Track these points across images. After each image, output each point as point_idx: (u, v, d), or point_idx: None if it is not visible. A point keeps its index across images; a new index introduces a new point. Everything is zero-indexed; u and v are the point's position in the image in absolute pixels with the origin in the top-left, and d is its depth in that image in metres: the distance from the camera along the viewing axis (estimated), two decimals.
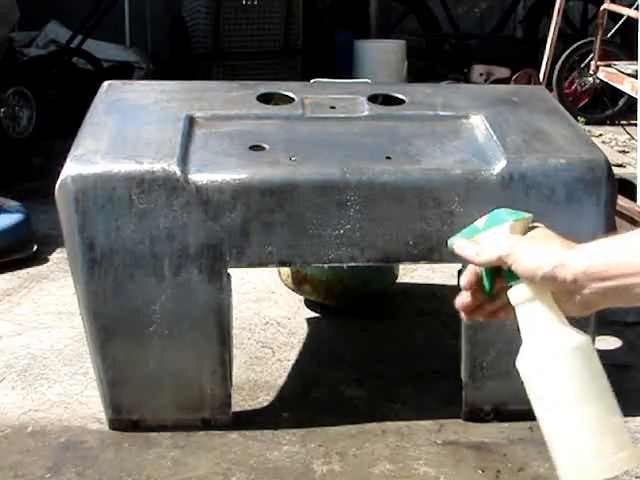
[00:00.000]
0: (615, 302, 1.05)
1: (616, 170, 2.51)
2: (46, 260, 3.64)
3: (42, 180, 4.33)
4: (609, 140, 6.00)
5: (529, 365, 1.08)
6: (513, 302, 1.09)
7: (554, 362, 1.07)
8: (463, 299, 1.11)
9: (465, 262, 1.10)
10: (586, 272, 1.04)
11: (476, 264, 1.09)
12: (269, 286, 3.31)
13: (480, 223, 1.11)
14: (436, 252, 2.22)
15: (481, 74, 7.13)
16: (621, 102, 6.28)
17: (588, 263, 1.05)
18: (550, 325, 1.08)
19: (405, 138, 2.36)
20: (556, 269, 1.05)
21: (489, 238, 1.10)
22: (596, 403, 1.08)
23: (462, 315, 1.13)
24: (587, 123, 6.26)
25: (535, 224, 1.12)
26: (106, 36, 6.64)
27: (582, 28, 7.71)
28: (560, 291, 1.07)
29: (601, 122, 6.40)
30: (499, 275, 1.10)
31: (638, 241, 1.04)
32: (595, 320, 2.29)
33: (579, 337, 1.08)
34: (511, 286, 1.08)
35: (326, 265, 2.28)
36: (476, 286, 1.11)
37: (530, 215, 1.11)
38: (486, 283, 1.11)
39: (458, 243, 1.11)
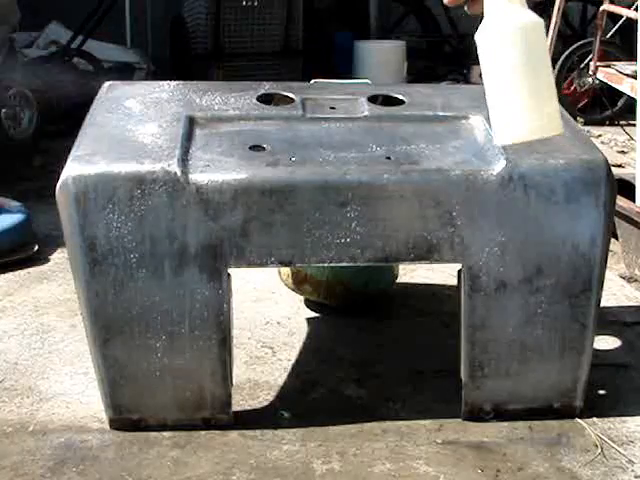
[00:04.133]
0: None
1: (615, 170, 2.51)
2: (47, 260, 3.64)
3: (43, 180, 4.34)
4: (608, 141, 6.01)
5: (486, 38, 1.27)
6: None
7: (506, 35, 1.25)
8: None
9: None
10: None
11: None
12: (269, 286, 3.31)
13: None
14: (436, 252, 2.22)
15: (481, 75, 7.13)
16: (620, 103, 6.29)
17: None
18: (510, 5, 1.26)
19: (405, 138, 2.37)
20: None
21: None
22: (535, 75, 1.25)
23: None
24: (586, 124, 6.26)
25: None
26: (107, 37, 6.65)
27: (581, 29, 7.71)
28: None
29: (600, 123, 6.41)
30: None
31: None
32: (595, 320, 2.30)
33: (534, 17, 1.27)
34: None
35: (326, 265, 2.28)
36: None
37: None
38: None
39: None
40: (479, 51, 1.29)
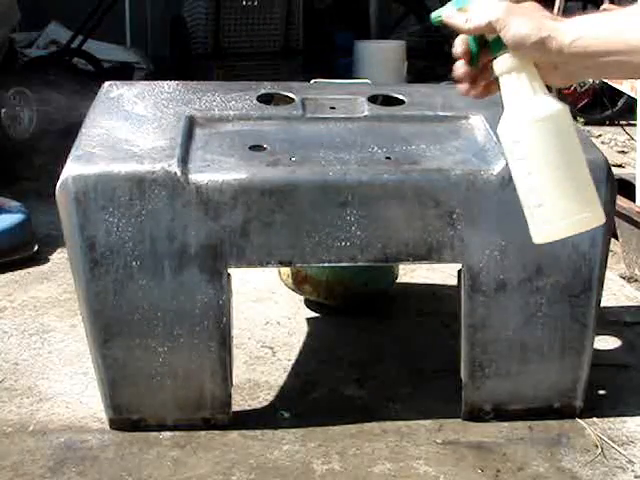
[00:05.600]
0: (596, 76, 1.11)
1: (616, 170, 2.51)
2: (47, 260, 3.64)
3: (42, 180, 4.34)
4: (608, 140, 6.01)
5: (507, 132, 1.15)
6: (497, 72, 1.14)
7: (528, 129, 1.13)
8: (461, 68, 1.16)
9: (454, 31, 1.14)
10: (571, 46, 1.08)
11: (464, 32, 1.13)
12: (269, 286, 3.31)
13: None
14: (436, 252, 2.22)
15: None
16: (620, 102, 6.29)
17: (575, 37, 1.07)
18: (529, 94, 1.13)
19: (405, 138, 2.37)
20: (545, 40, 1.08)
21: (479, 5, 1.13)
22: (565, 169, 1.13)
23: (461, 88, 1.18)
24: (586, 123, 6.26)
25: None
26: (106, 37, 6.65)
27: None
28: (545, 61, 1.11)
29: (600, 122, 6.40)
30: (484, 48, 1.15)
31: (624, 20, 1.07)
32: (595, 320, 2.30)
33: (555, 106, 1.13)
34: (496, 57, 1.13)
35: (326, 265, 2.28)
36: (469, 56, 1.16)
37: None
38: (473, 47, 1.15)
39: (446, 12, 1.15)
40: (503, 145, 1.16)
